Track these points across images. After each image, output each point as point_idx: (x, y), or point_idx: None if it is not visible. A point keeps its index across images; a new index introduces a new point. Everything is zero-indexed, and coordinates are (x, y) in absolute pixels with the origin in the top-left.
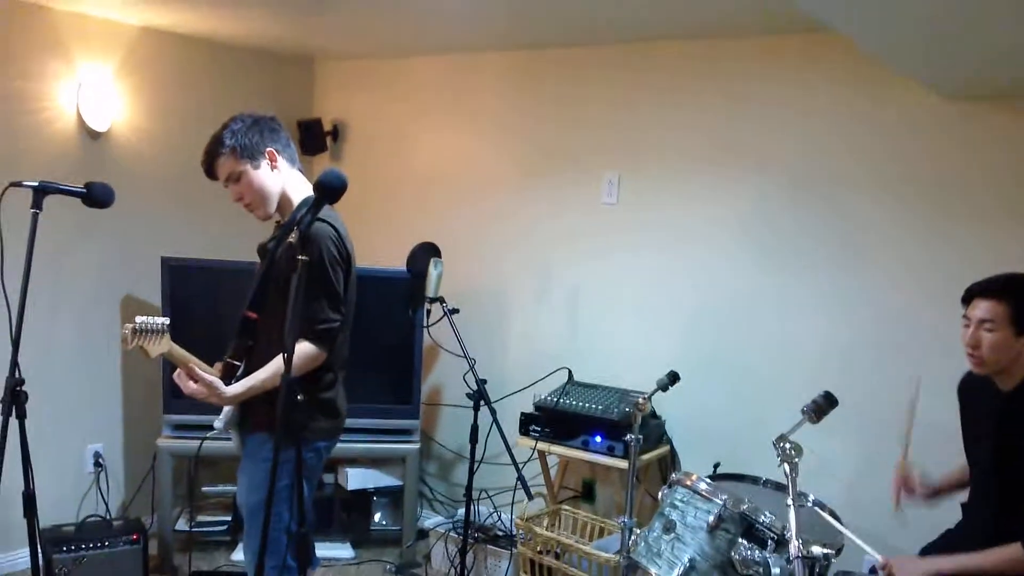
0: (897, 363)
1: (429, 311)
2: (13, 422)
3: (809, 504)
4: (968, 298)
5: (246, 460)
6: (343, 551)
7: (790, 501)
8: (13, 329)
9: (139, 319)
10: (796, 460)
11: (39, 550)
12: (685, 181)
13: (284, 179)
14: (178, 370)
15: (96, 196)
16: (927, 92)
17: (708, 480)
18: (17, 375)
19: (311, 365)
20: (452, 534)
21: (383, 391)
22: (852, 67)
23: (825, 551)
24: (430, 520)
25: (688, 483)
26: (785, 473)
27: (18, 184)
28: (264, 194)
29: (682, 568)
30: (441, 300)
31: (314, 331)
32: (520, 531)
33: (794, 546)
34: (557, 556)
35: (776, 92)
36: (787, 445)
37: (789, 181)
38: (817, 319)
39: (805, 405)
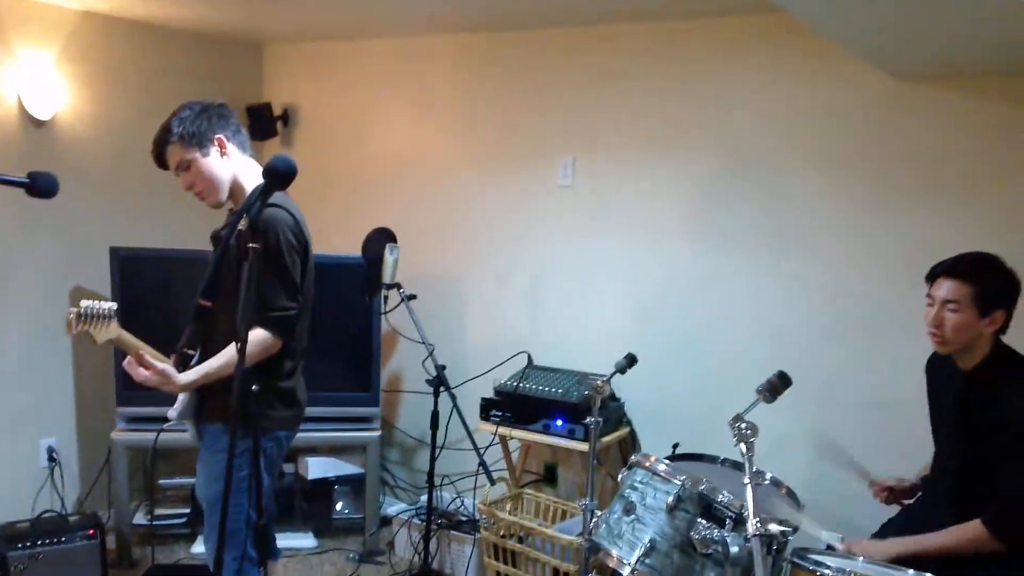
0: (854, 342)
1: (386, 297)
2: None
3: (766, 482)
4: (932, 277)
5: (204, 451)
6: (306, 540)
7: (747, 479)
8: None
9: (84, 303)
10: (752, 439)
11: None
12: (640, 163)
13: (235, 166)
14: (128, 358)
15: (40, 186)
16: (879, 72)
17: (667, 461)
18: None
19: (266, 353)
20: (415, 521)
21: (342, 379)
22: (805, 47)
23: (782, 528)
24: (393, 507)
25: (647, 464)
26: (741, 452)
27: None
28: (214, 182)
29: (643, 549)
30: (398, 286)
31: (269, 319)
32: (483, 516)
33: (751, 524)
34: (520, 540)
35: (730, 73)
36: (743, 425)
37: (743, 162)
38: (774, 300)
39: (760, 385)
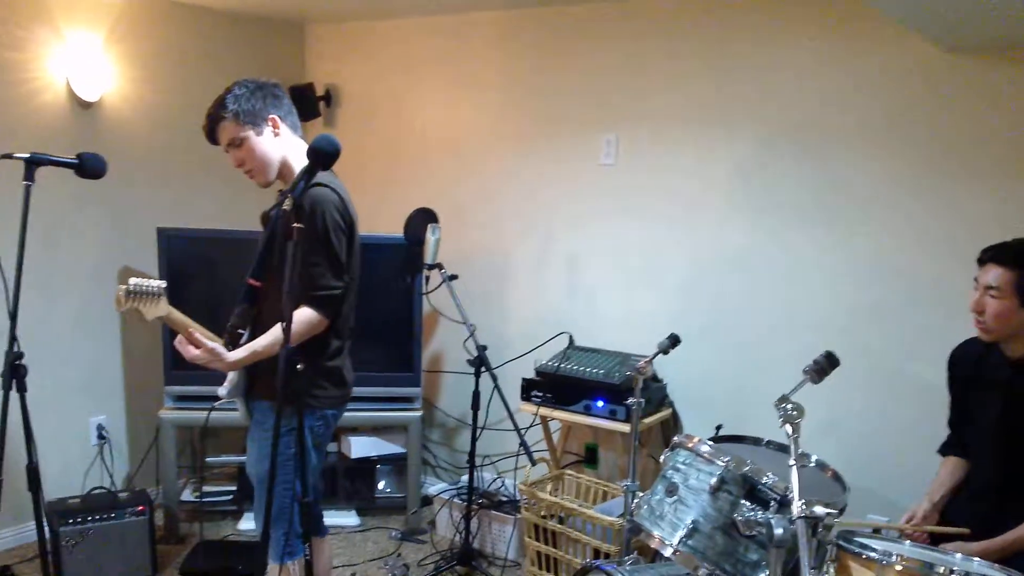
0: (897, 322)
1: (428, 278)
2: (14, 396)
3: (812, 464)
4: (981, 261)
5: (254, 428)
6: (349, 519)
7: (792, 461)
8: (10, 302)
9: (133, 281)
10: (798, 421)
11: (45, 523)
12: (682, 141)
13: (285, 146)
14: (179, 336)
15: (88, 167)
16: (929, 44)
17: (710, 442)
18: (16, 349)
19: (312, 331)
20: (456, 500)
21: (384, 359)
22: (849, 20)
23: (828, 510)
24: (434, 487)
25: (690, 446)
26: (787, 434)
27: (9, 156)
28: (265, 161)
29: (685, 530)
30: (439, 266)
31: (315, 297)
32: (524, 496)
33: (796, 506)
34: (561, 520)
35: (774, 47)
36: (789, 406)
37: (788, 138)
38: (817, 278)
39: (806, 365)
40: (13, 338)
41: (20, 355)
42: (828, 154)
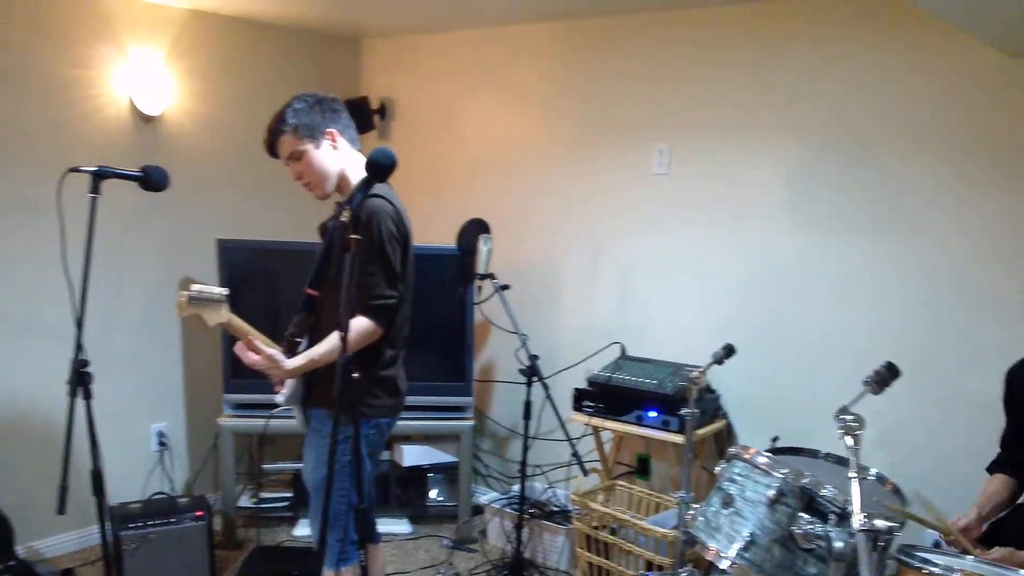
0: (952, 334)
1: (480, 288)
2: (80, 403)
3: (871, 477)
4: None
5: (311, 436)
6: (401, 526)
7: (853, 473)
8: (77, 310)
9: (195, 287)
10: (858, 432)
11: (108, 527)
12: (735, 149)
13: (343, 159)
14: (239, 342)
15: (152, 180)
16: (990, 49)
17: (767, 454)
18: (82, 356)
19: (367, 340)
20: (507, 510)
21: (436, 369)
22: (903, 25)
23: (889, 524)
24: (485, 496)
25: (747, 457)
26: (847, 446)
27: (76, 170)
28: (324, 173)
29: (742, 543)
30: (491, 276)
31: (370, 306)
32: (575, 506)
33: (857, 519)
34: (613, 532)
35: (824, 53)
36: (849, 417)
37: (839, 149)
38: (871, 288)
39: (867, 376)
40: (79, 346)
41: (86, 363)
42: (882, 163)
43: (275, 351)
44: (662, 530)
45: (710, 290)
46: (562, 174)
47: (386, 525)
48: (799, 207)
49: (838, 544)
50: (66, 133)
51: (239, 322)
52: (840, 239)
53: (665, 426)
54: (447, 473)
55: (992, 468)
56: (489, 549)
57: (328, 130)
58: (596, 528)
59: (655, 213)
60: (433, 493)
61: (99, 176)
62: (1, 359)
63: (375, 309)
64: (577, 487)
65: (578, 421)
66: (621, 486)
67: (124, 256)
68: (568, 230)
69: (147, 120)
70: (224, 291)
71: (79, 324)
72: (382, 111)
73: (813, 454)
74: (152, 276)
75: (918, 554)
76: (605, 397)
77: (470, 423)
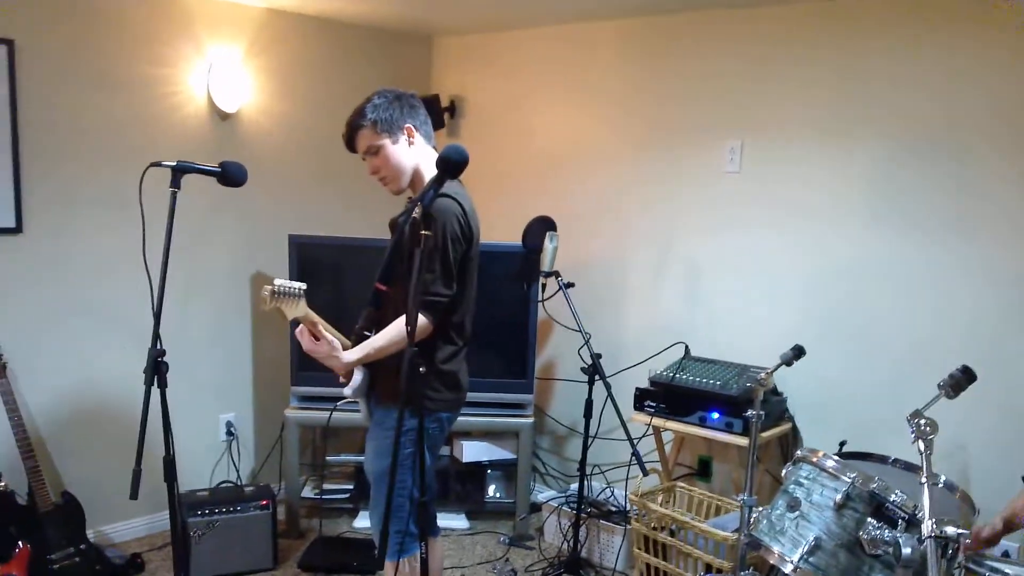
0: (1020, 338)
1: (544, 285)
2: (155, 392)
3: (940, 485)
4: None
5: (374, 428)
6: (458, 522)
7: (924, 479)
8: (155, 303)
9: (278, 282)
10: (931, 437)
11: (179, 513)
12: (810, 147)
13: (419, 155)
14: (300, 327)
15: (230, 175)
16: None
17: (835, 457)
18: (159, 346)
19: (418, 335)
20: (565, 508)
21: (498, 365)
22: (981, 25)
23: (960, 531)
24: (543, 494)
25: (814, 460)
26: (919, 450)
27: (158, 164)
28: (399, 169)
29: (807, 546)
30: (556, 274)
31: (423, 301)
32: (634, 507)
33: (927, 525)
34: (672, 533)
35: (898, 52)
36: (922, 421)
37: (920, 145)
38: (941, 291)
39: (942, 380)
40: (157, 336)
41: (162, 352)
42: (955, 165)
43: (335, 339)
44: (723, 533)
45: (778, 290)
46: (630, 172)
47: (444, 520)
48: (870, 207)
49: (906, 550)
50: (146, 129)
51: (314, 316)
52: (911, 241)
53: (728, 428)
54: (506, 470)
55: None
56: (546, 547)
57: (405, 125)
58: (655, 529)
59: (724, 212)
60: (491, 489)
61: (179, 171)
62: (82, 348)
63: (427, 304)
64: (636, 487)
65: (639, 421)
66: (681, 487)
67: (199, 250)
68: (635, 228)
69: (224, 117)
70: (302, 286)
71: (157, 315)
72: (452, 109)
73: (882, 459)
74: (225, 270)
75: (987, 563)
76: (667, 397)
77: (530, 420)
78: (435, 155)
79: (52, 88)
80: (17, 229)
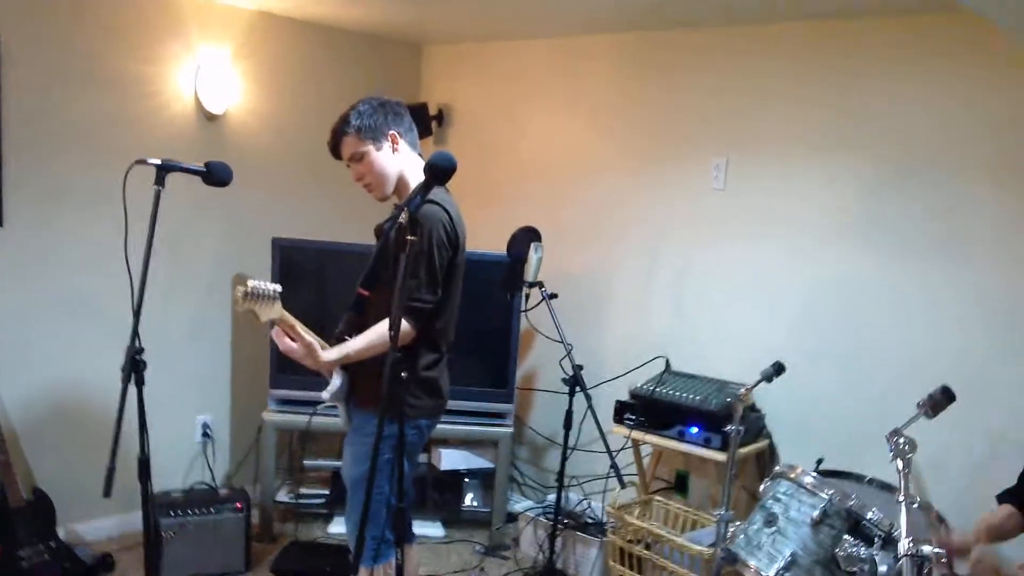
0: (1009, 361)
1: (528, 295)
2: (131, 390)
3: (915, 505)
4: None
5: (352, 434)
6: (434, 529)
7: (901, 497)
8: (135, 299)
9: (251, 283)
10: (909, 456)
11: (151, 513)
12: (793, 167)
13: (403, 162)
14: (276, 328)
15: (215, 174)
16: None
17: (813, 474)
18: (138, 344)
19: (401, 341)
20: (542, 519)
21: (479, 374)
22: (975, 49)
23: (936, 550)
24: (519, 504)
25: (792, 476)
26: (898, 469)
27: (143, 162)
28: (384, 175)
29: (783, 562)
30: (540, 285)
31: (406, 307)
32: (611, 519)
33: (904, 544)
34: (648, 547)
35: (887, 75)
36: (901, 440)
37: (899, 168)
38: (928, 311)
39: (921, 399)
40: (135, 333)
41: (141, 350)
42: (945, 187)
43: (313, 339)
44: (698, 547)
45: (760, 308)
46: (617, 185)
47: (420, 527)
48: (857, 226)
49: (882, 568)
50: (132, 127)
51: (290, 318)
52: (898, 260)
53: (707, 443)
54: (483, 479)
55: (1003, 497)
56: (521, 557)
57: (390, 132)
58: (631, 542)
59: (709, 227)
60: (468, 498)
61: (164, 169)
62: (60, 343)
63: (411, 310)
64: (613, 500)
65: (618, 433)
66: (658, 501)
67: (181, 249)
68: (620, 241)
69: (211, 118)
70: (277, 288)
71: (136, 312)
72: (440, 117)
73: (858, 478)
74: (207, 270)
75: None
76: (647, 411)
77: (509, 430)
78: (420, 162)
79: (38, 84)
80: None
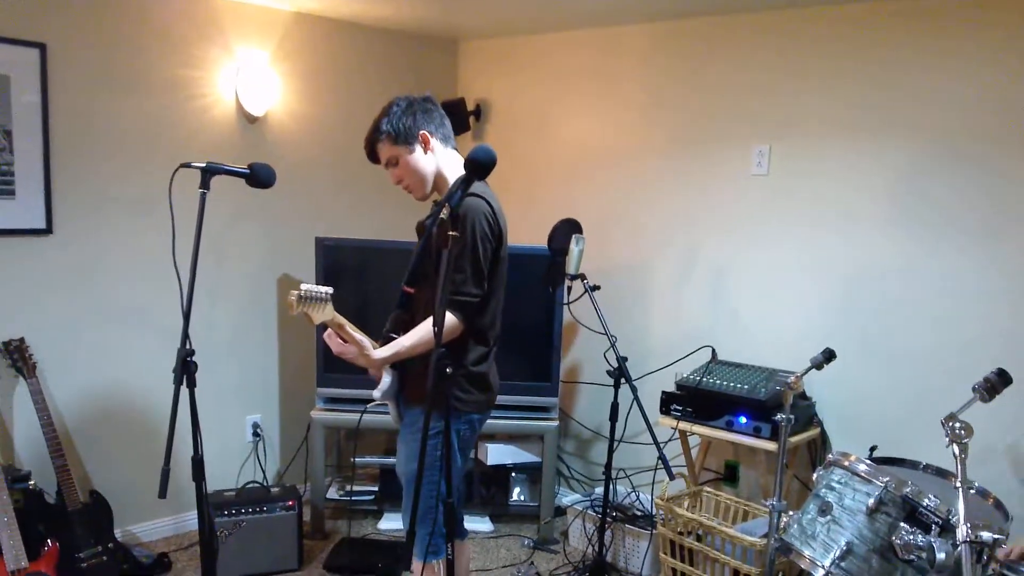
0: None
1: (570, 288)
2: (183, 391)
3: (972, 491)
4: None
5: (405, 430)
6: (483, 524)
7: (958, 483)
8: (184, 303)
9: (304, 286)
10: (966, 441)
11: (207, 513)
12: (838, 150)
13: (438, 159)
14: (328, 330)
15: (259, 176)
16: None
17: (868, 461)
18: (188, 346)
19: (451, 335)
20: (590, 512)
21: (523, 368)
22: (1013, 25)
23: (995, 536)
24: (567, 498)
25: (846, 464)
26: (954, 454)
27: (187, 165)
28: (420, 176)
29: (838, 551)
30: (582, 277)
31: (454, 301)
32: (660, 511)
33: (962, 530)
34: (699, 538)
35: (929, 54)
36: (957, 424)
37: (945, 149)
38: (978, 293)
39: (976, 383)
40: (186, 336)
41: (191, 352)
42: (993, 165)
43: (363, 337)
44: (751, 538)
45: (807, 294)
46: (657, 176)
47: (468, 523)
48: (905, 209)
49: (940, 555)
50: (175, 132)
51: (341, 319)
52: (948, 242)
53: (756, 432)
54: (530, 473)
55: None
56: (570, 551)
57: (420, 133)
58: (681, 534)
59: (752, 214)
60: (516, 492)
61: (208, 172)
62: (110, 348)
63: (458, 304)
64: (662, 492)
65: (665, 425)
66: (708, 492)
67: (227, 251)
68: (662, 232)
69: (252, 120)
70: (329, 290)
71: (186, 315)
72: (477, 112)
73: (913, 465)
74: (253, 272)
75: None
76: (694, 401)
77: (555, 424)
78: (456, 156)
79: (82, 91)
80: (47, 230)
